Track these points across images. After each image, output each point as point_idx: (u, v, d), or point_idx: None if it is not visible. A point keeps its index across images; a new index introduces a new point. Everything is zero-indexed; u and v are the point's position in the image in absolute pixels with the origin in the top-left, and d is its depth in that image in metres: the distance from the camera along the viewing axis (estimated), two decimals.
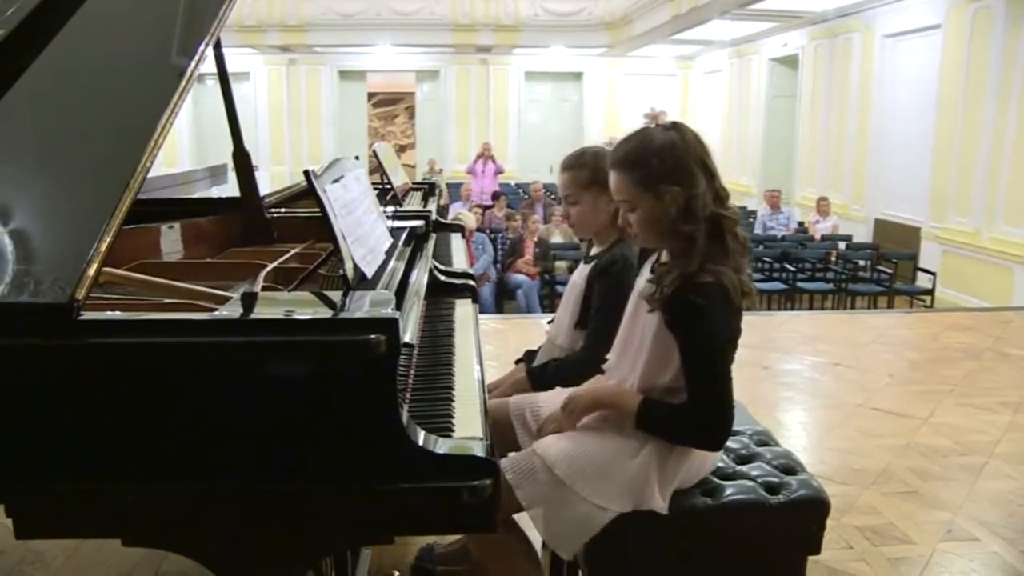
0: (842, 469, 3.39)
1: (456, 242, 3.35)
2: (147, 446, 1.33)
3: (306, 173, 1.66)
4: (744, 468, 1.91)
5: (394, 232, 2.15)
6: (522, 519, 1.86)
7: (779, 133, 13.46)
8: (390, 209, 2.61)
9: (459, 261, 3.02)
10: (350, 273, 1.59)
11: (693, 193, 1.66)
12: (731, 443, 2.03)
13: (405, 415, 1.37)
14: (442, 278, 2.63)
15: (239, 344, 1.32)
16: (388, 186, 3.23)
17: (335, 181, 1.80)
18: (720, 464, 1.90)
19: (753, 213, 11.61)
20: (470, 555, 2.35)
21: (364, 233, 1.81)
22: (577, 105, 17.66)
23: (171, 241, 2.37)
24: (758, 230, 10.24)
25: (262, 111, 16.82)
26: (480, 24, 15.45)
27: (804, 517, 1.79)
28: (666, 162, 1.67)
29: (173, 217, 2.42)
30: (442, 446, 1.38)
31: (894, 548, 2.75)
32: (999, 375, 4.84)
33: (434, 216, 2.98)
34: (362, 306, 1.42)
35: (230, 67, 2.48)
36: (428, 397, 1.73)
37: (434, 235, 2.75)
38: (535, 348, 2.43)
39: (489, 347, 4.07)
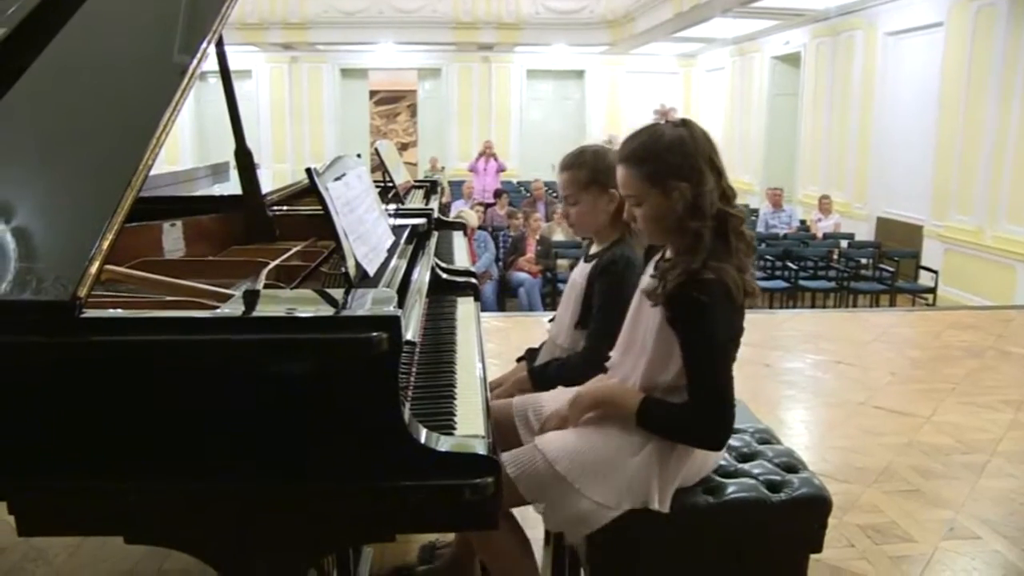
0: (844, 467, 3.39)
1: (458, 240, 3.36)
2: (149, 444, 1.33)
3: (308, 171, 1.66)
4: (746, 466, 1.91)
5: (396, 230, 2.15)
6: (520, 514, 1.86)
7: (781, 131, 13.44)
8: (392, 207, 2.61)
9: (461, 259, 3.03)
10: (352, 271, 1.59)
11: (701, 190, 1.65)
12: (733, 441, 2.03)
13: (407, 413, 1.38)
14: (444, 276, 2.63)
15: (241, 342, 1.32)
16: (390, 184, 3.24)
17: (337, 179, 1.80)
18: (722, 462, 1.90)
19: (755, 211, 11.59)
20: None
21: (366, 231, 1.81)
22: (579, 103, 17.65)
23: (173, 239, 2.37)
24: (760, 228, 10.23)
25: (264, 109, 16.82)
26: (482, 22, 15.45)
27: (806, 515, 1.79)
28: (675, 158, 1.66)
29: (175, 215, 2.42)
30: (444, 444, 1.38)
31: (896, 546, 2.75)
32: (1001, 373, 4.83)
33: (436, 214, 2.98)
34: (364, 304, 1.42)
35: (232, 65, 2.48)
36: (430, 395, 1.73)
37: (436, 233, 2.75)
38: (537, 346, 2.43)
39: (491, 345, 4.08)
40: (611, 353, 1.89)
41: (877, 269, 8.86)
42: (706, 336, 1.64)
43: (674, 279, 1.63)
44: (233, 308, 1.40)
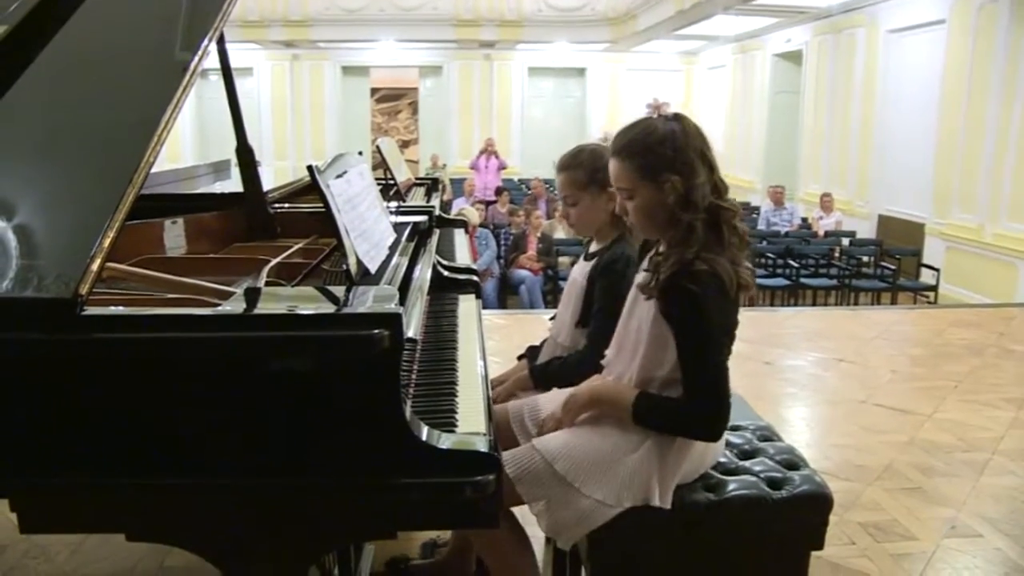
0: (845, 465, 3.39)
1: (459, 237, 3.35)
2: (151, 441, 1.33)
3: (310, 168, 1.66)
4: (747, 464, 1.91)
5: (397, 227, 2.15)
6: (520, 512, 1.86)
7: (783, 129, 13.43)
8: (393, 204, 2.61)
9: (462, 256, 3.02)
10: (353, 268, 1.59)
11: (693, 183, 1.66)
12: (734, 438, 2.03)
13: (408, 410, 1.38)
14: (445, 273, 2.63)
15: (242, 339, 1.32)
16: (391, 181, 3.24)
17: (339, 176, 1.80)
18: (723, 459, 1.90)
19: (757, 209, 11.58)
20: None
21: (367, 228, 1.81)
22: (580, 101, 17.64)
23: (174, 236, 2.37)
24: (761, 226, 10.22)
25: (265, 106, 16.82)
26: (483, 19, 15.44)
27: (807, 513, 1.79)
28: (667, 152, 1.68)
29: (176, 212, 2.42)
30: (445, 441, 1.39)
31: (897, 544, 2.75)
32: (1003, 371, 4.83)
33: (437, 211, 2.98)
34: (365, 301, 1.42)
35: (233, 62, 2.48)
36: (431, 392, 1.73)
37: (437, 231, 2.75)
38: (538, 344, 2.43)
39: (492, 342, 4.07)
40: (606, 351, 1.90)
41: (878, 267, 8.85)
42: (700, 327, 1.64)
43: (667, 271, 1.64)
44: (234, 306, 1.40)
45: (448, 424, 1.55)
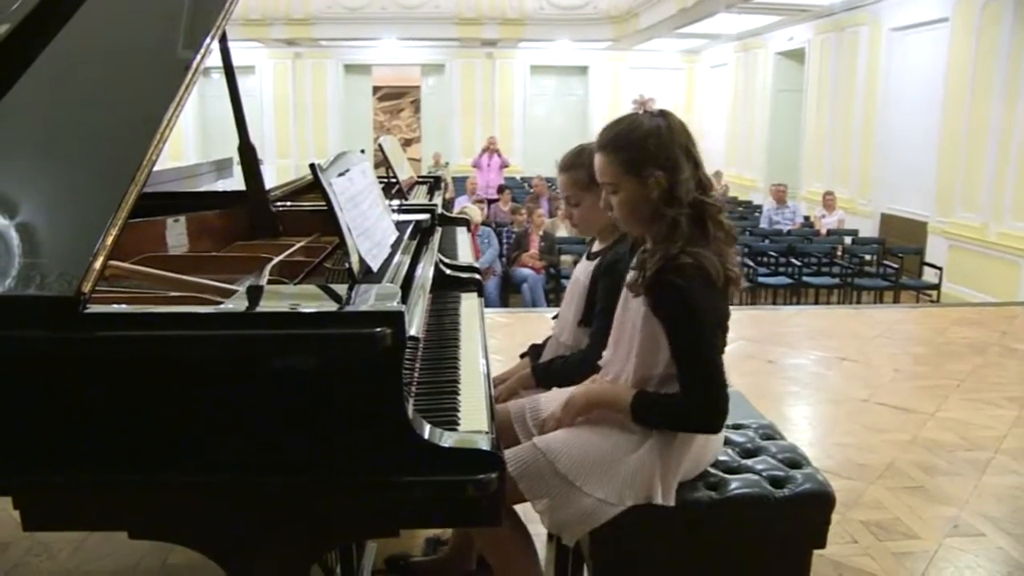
0: (847, 464, 3.39)
1: (462, 236, 3.36)
2: (153, 439, 1.33)
3: (312, 166, 1.66)
4: (749, 462, 1.91)
5: (400, 226, 2.15)
6: (522, 510, 1.86)
7: (785, 127, 13.42)
8: (395, 203, 2.61)
9: (464, 255, 3.02)
10: (356, 266, 1.60)
11: (677, 179, 1.68)
12: (736, 437, 2.03)
13: (411, 409, 1.38)
14: (448, 272, 2.63)
15: (244, 337, 1.32)
16: (394, 180, 3.24)
17: (341, 175, 1.79)
18: (725, 458, 1.90)
19: (759, 207, 11.57)
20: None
21: (370, 226, 1.81)
22: (582, 99, 17.63)
23: (177, 234, 2.37)
24: (764, 224, 10.22)
25: (267, 105, 16.83)
26: (485, 18, 15.44)
27: (809, 511, 1.79)
28: (651, 147, 1.69)
29: (179, 211, 2.42)
30: (447, 439, 1.39)
31: (899, 543, 2.75)
32: (1005, 370, 4.82)
33: (439, 210, 2.98)
34: (368, 299, 1.42)
35: (236, 61, 2.48)
36: (434, 390, 1.73)
37: (439, 229, 2.75)
38: (540, 342, 2.43)
39: (494, 341, 4.07)
40: (604, 351, 1.90)
41: (881, 265, 8.85)
42: (689, 321, 1.65)
43: (652, 266, 1.64)
44: (237, 304, 1.40)
45: (450, 422, 1.55)
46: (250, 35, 14.97)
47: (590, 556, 1.77)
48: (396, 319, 1.32)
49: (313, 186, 1.90)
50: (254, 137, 2.63)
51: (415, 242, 2.20)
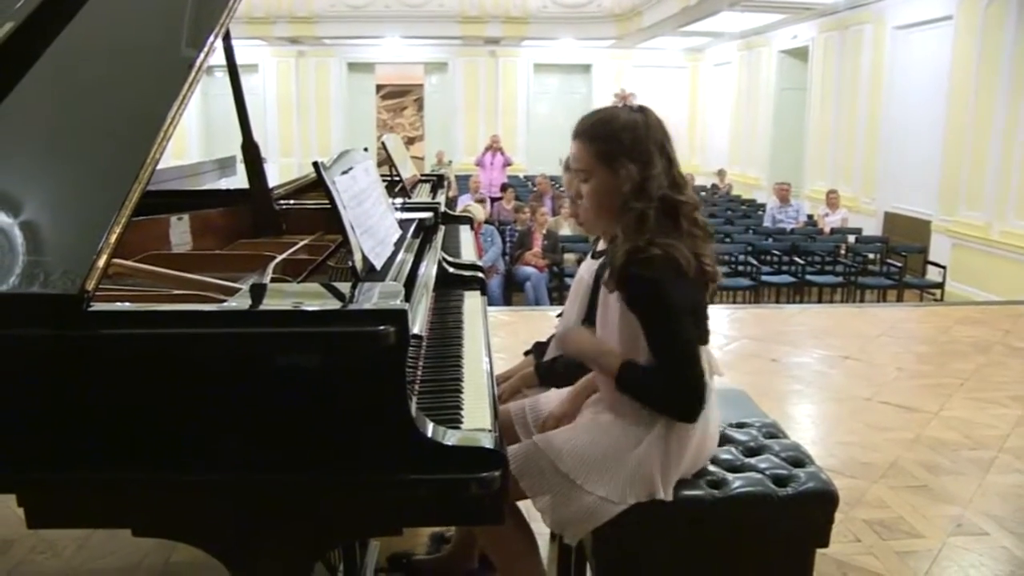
0: (850, 462, 3.39)
1: (465, 234, 3.35)
2: (156, 437, 1.33)
3: (315, 164, 1.66)
4: (752, 460, 1.90)
5: (403, 224, 2.15)
6: (525, 508, 1.86)
7: (788, 126, 13.41)
8: (399, 201, 2.61)
9: (468, 253, 3.02)
10: (359, 265, 1.60)
11: (649, 173, 1.69)
12: (739, 435, 2.03)
13: (414, 407, 1.38)
14: (451, 270, 2.62)
15: (248, 335, 1.32)
16: (397, 178, 3.24)
17: (344, 173, 1.79)
18: (728, 456, 1.90)
19: (762, 206, 11.56)
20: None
21: (373, 225, 1.81)
22: (586, 97, 17.59)
23: (180, 233, 2.38)
24: (767, 223, 10.22)
25: (271, 103, 16.85)
26: (489, 16, 15.44)
27: (812, 510, 1.78)
28: (626, 139, 1.71)
29: (182, 209, 2.43)
30: (451, 438, 1.39)
31: (902, 542, 2.75)
32: (1009, 369, 4.81)
33: (442, 208, 2.98)
34: (371, 297, 1.42)
35: (239, 59, 2.48)
36: (437, 389, 1.73)
37: (443, 227, 2.75)
38: (544, 340, 2.43)
39: (497, 339, 4.08)
40: None
41: (885, 264, 8.84)
42: (662, 311, 1.66)
43: (620, 259, 1.65)
44: (240, 302, 1.40)
45: (453, 420, 1.55)
46: (253, 33, 14.97)
47: (592, 555, 1.77)
48: (399, 317, 1.32)
49: (316, 184, 1.90)
50: (257, 135, 2.63)
51: (418, 240, 2.20)
